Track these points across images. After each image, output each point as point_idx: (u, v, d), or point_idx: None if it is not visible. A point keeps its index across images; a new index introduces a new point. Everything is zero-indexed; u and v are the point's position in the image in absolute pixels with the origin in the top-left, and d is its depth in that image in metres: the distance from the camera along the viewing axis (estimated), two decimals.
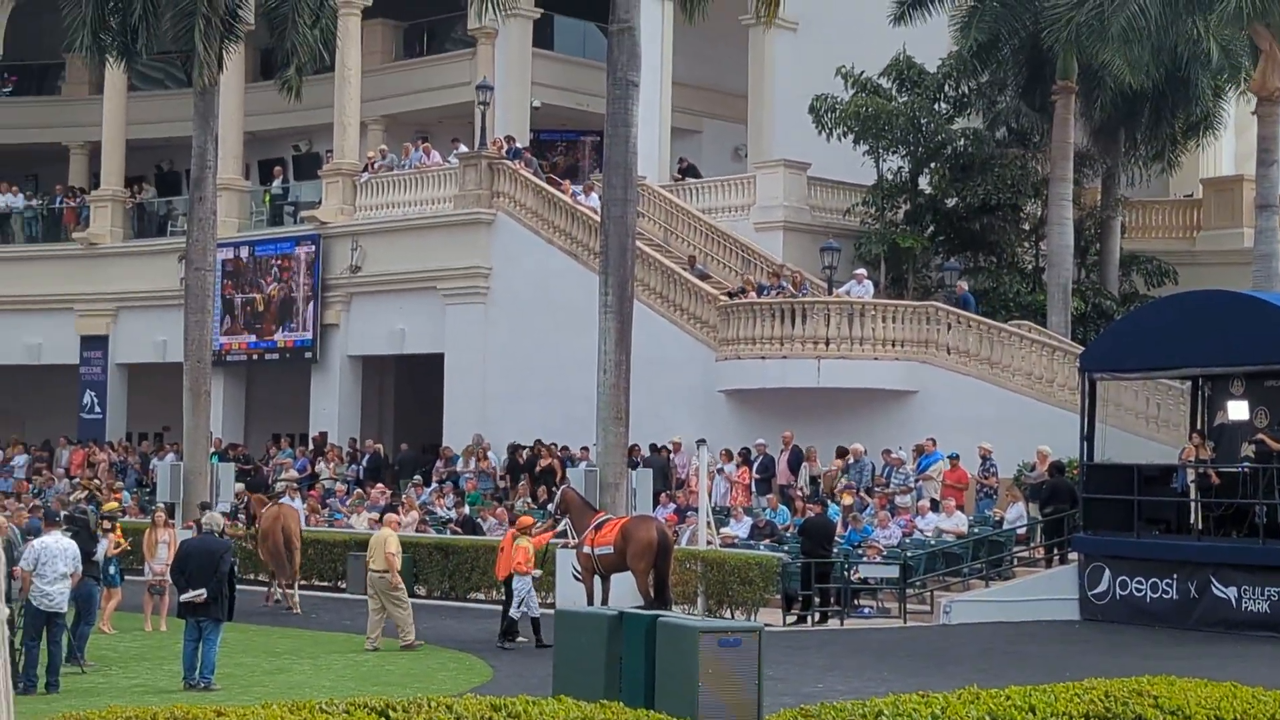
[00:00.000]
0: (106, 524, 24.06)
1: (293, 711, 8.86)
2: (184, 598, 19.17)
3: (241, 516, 31.86)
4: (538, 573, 23.90)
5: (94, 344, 46.67)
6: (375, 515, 33.46)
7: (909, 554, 27.80)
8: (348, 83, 41.96)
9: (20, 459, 43.33)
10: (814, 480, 31.94)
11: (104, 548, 22.98)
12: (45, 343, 46.87)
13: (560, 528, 25.07)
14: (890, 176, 39.02)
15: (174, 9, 32.34)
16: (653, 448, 33.76)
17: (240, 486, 34.06)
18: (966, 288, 35.47)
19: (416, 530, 32.05)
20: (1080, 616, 27.46)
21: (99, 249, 46.66)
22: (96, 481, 38.63)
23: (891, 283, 38.25)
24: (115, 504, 29.89)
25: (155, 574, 25.13)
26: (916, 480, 30.61)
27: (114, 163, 47.13)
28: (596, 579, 24.22)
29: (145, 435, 46.60)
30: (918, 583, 27.75)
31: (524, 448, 35.96)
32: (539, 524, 25.66)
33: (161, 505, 29.27)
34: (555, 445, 35.31)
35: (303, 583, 31.33)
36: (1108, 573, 27.40)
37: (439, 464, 37.84)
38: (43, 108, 51.46)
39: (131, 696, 17.58)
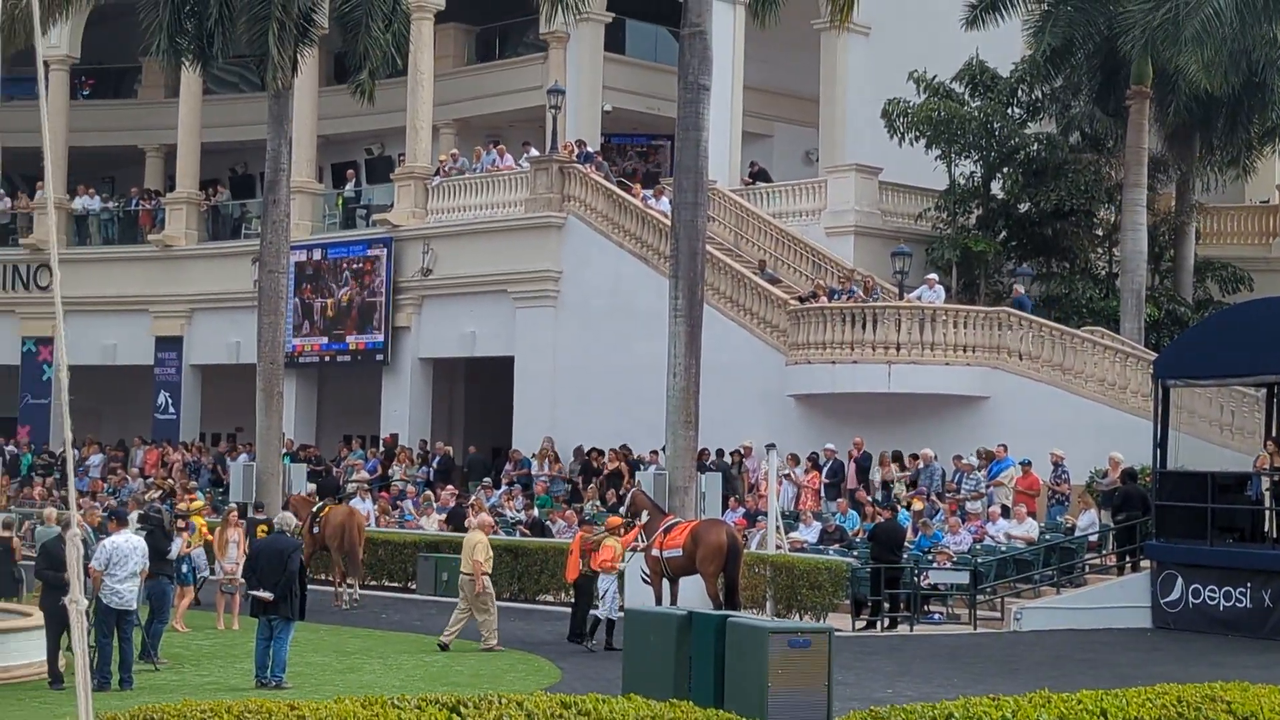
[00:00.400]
0: (181, 523, 24.32)
1: (365, 707, 8.93)
2: (253, 594, 19.43)
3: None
4: (623, 565, 23.96)
5: (168, 345, 47.13)
6: (443, 517, 33.76)
7: (979, 560, 27.67)
8: (420, 86, 42.19)
9: (96, 458, 43.81)
10: (886, 485, 31.83)
11: (178, 546, 23.20)
12: (121, 344, 47.37)
13: (644, 520, 24.93)
14: (962, 181, 38.87)
15: (249, 13, 32.64)
16: (718, 453, 33.70)
17: (312, 488, 34.36)
18: (1024, 290, 35.29)
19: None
20: (1153, 625, 27.24)
21: (174, 251, 47.12)
22: (170, 481, 39.00)
23: (963, 288, 38.09)
24: (202, 502, 30.25)
25: (226, 572, 25.41)
26: (987, 486, 30.45)
27: (189, 165, 47.58)
28: (665, 582, 24.22)
29: (218, 436, 47.01)
30: (988, 589, 27.62)
31: (598, 451, 35.93)
32: (601, 529, 25.78)
33: (234, 505, 29.58)
34: (625, 449, 35.31)
35: (372, 583, 31.69)
36: (1180, 581, 27.18)
37: (508, 466, 37.96)
38: (119, 111, 52.02)
39: (204, 694, 17.72)
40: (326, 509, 29.99)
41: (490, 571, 23.23)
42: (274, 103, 33.41)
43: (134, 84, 53.20)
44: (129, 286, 47.23)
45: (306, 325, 43.37)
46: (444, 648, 22.64)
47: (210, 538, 26.11)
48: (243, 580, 23.75)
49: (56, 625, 18.47)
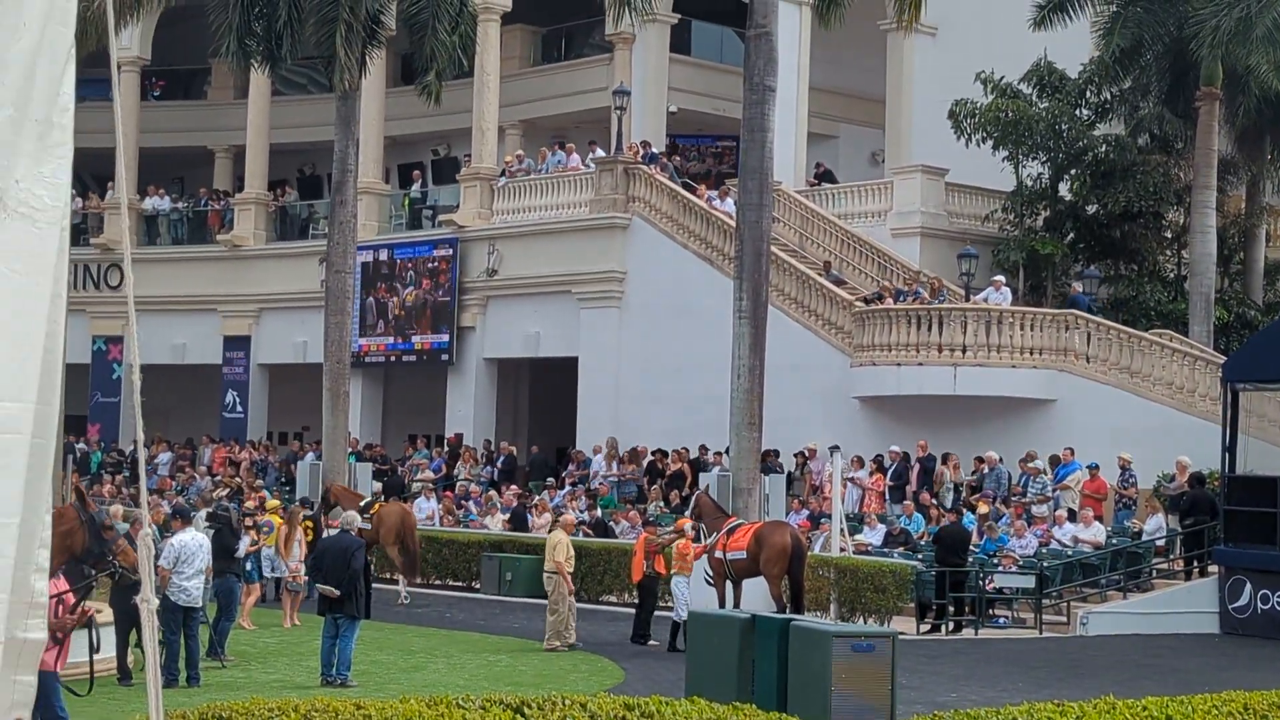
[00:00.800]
0: (249, 521, 24.53)
1: (430, 706, 9.00)
2: (318, 588, 19.63)
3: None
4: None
5: (236, 344, 47.50)
6: (506, 517, 33.89)
7: (1045, 564, 27.52)
8: (486, 88, 42.33)
9: (164, 456, 44.18)
10: (957, 488, 31.69)
11: (245, 544, 23.39)
12: (189, 343, 47.76)
13: (713, 540, 24.96)
14: (1030, 183, 38.68)
15: (317, 15, 32.87)
16: (774, 454, 33.52)
17: (378, 487, 34.53)
18: (1081, 289, 35.12)
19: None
20: (1220, 630, 27.04)
21: (242, 251, 47.48)
22: (238, 480, 39.28)
23: (1030, 290, 37.90)
24: (278, 501, 30.50)
25: (290, 571, 25.60)
26: (1054, 490, 30.29)
27: (257, 166, 47.95)
28: (728, 584, 24.23)
29: (285, 435, 47.32)
30: (1054, 593, 27.47)
31: (662, 452, 35.88)
32: (666, 530, 25.96)
33: (299, 504, 29.79)
34: (686, 450, 35.26)
35: (436, 582, 31.89)
36: (1249, 586, 26.96)
37: (571, 466, 38.02)
38: (189, 112, 52.45)
39: (270, 691, 17.86)
40: (377, 506, 29.99)
41: (573, 570, 23.41)
42: (341, 104, 33.65)
43: (203, 85, 53.62)
44: (198, 286, 47.61)
45: (381, 324, 43.58)
46: (572, 647, 22.85)
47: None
48: (305, 578, 24.03)
49: (126, 622, 18.66)
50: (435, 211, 44.75)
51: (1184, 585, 28.24)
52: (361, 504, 29.80)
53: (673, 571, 23.89)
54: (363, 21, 32.89)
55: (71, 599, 12.63)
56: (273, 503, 29.75)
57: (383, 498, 33.85)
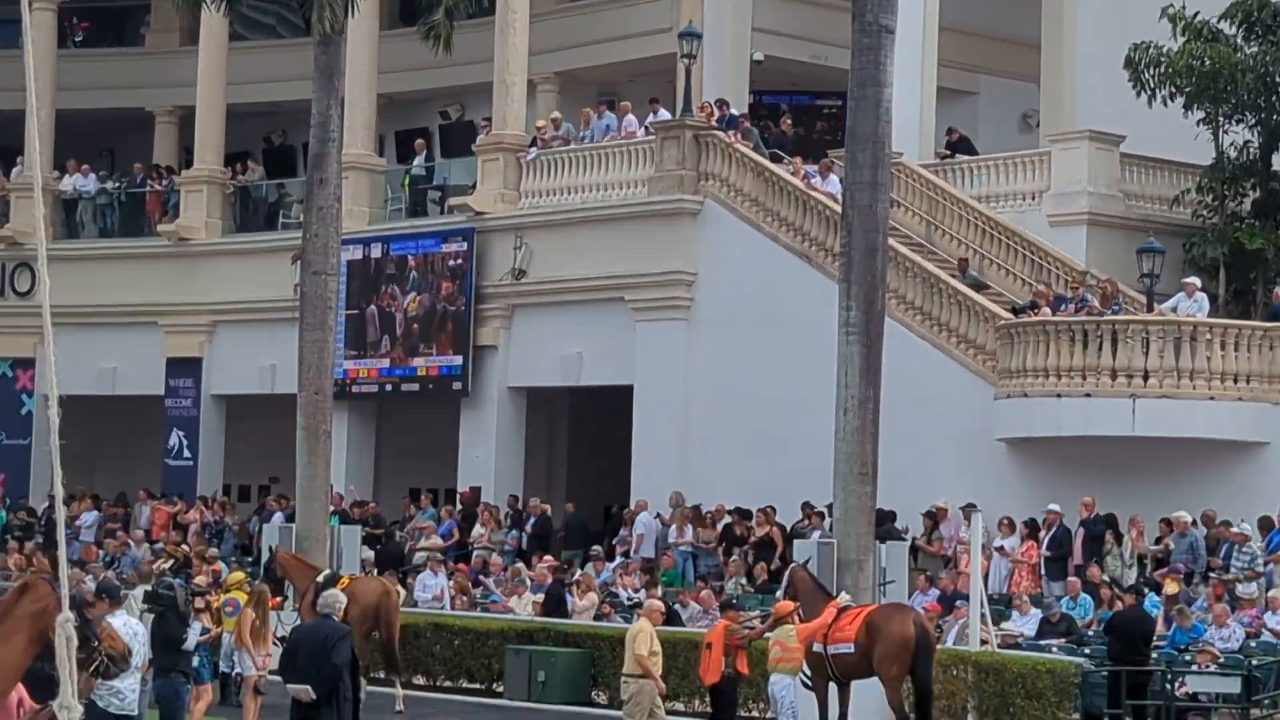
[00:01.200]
0: (199, 603, 24.67)
1: None
2: (290, 689, 19.72)
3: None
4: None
5: (183, 369, 47.75)
6: (539, 597, 33.99)
7: (1254, 662, 27.44)
8: (512, 30, 42.43)
9: (89, 516, 44.39)
10: (1141, 560, 31.60)
11: (195, 633, 23.51)
12: (121, 367, 48.04)
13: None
14: (1234, 154, 38.56)
15: None
16: (891, 515, 33.51)
17: (369, 556, 34.64)
18: None
19: (595, 618, 32.40)
20: None
21: (190, 246, 47.79)
22: (185, 548, 39.42)
23: (1234, 296, 37.78)
24: (241, 574, 30.69)
25: (257, 667, 25.74)
26: (1266, 563, 30.20)
27: (211, 134, 48.23)
28: (832, 686, 24.26)
29: (247, 489, 47.58)
30: (1266, 700, 27.39)
31: (742, 513, 35.86)
32: (752, 616, 26.05)
33: (266, 579, 29.97)
34: (774, 509, 35.23)
35: (446, 683, 32.04)
36: None
37: (623, 531, 37.99)
38: (121, 63, 52.87)
39: None
40: (346, 580, 29.95)
41: (660, 671, 23.52)
42: (321, 52, 33.87)
43: (139, 28, 54.07)
44: (132, 293, 47.88)
45: (387, 342, 43.55)
46: None
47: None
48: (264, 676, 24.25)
49: None
50: (444, 193, 44.93)
51: None
52: (321, 577, 29.71)
53: (771, 668, 23.90)
54: None
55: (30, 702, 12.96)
56: (235, 576, 29.92)
57: (375, 571, 34.01)
